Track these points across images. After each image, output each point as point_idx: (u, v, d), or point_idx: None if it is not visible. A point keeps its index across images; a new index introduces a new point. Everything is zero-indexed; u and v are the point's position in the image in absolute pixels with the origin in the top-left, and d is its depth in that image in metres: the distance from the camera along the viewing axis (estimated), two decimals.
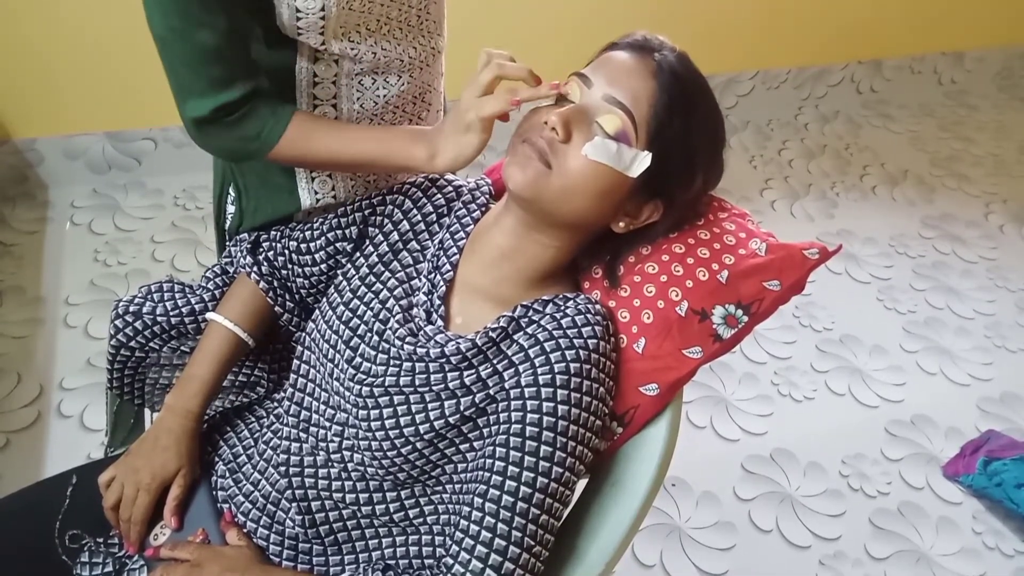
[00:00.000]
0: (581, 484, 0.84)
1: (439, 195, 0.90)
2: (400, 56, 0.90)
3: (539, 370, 0.74)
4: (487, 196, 0.91)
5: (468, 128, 0.76)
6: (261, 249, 0.96)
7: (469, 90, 0.76)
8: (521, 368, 0.75)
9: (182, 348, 0.99)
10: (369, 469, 0.81)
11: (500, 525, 0.72)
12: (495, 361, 0.77)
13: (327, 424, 0.85)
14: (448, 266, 0.84)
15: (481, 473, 0.75)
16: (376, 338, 0.83)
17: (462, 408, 0.77)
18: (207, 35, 0.76)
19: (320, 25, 0.80)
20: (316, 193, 0.97)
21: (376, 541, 0.86)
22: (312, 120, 0.85)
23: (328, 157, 0.85)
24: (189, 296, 0.97)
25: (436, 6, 0.93)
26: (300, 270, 0.94)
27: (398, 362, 0.81)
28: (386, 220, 0.90)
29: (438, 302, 0.83)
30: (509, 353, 0.77)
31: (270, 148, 0.83)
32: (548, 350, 0.75)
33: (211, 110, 0.79)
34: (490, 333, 0.78)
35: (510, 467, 0.72)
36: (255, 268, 0.94)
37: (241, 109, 0.81)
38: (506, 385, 0.76)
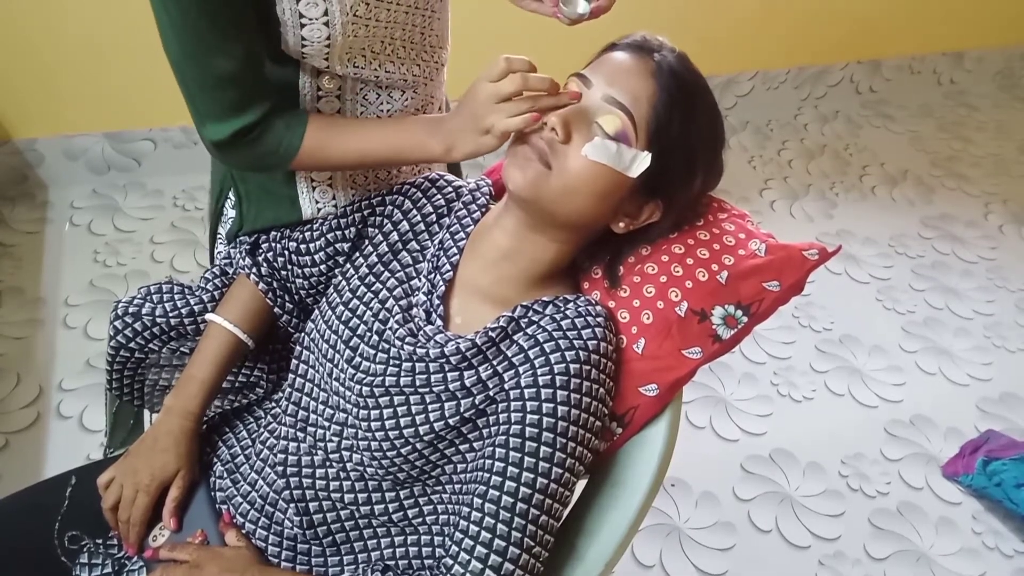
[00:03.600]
0: (581, 484, 0.84)
1: (439, 196, 0.90)
2: (404, 76, 0.90)
3: (539, 371, 0.74)
4: (487, 197, 0.91)
5: (486, 132, 0.75)
6: (260, 250, 0.96)
7: (487, 93, 0.74)
8: (521, 369, 0.75)
9: (181, 349, 0.99)
10: (368, 469, 0.81)
11: (499, 525, 0.72)
12: (495, 362, 0.77)
13: (326, 424, 0.85)
14: (448, 266, 0.84)
15: (480, 474, 0.74)
16: (376, 338, 0.83)
17: (462, 410, 0.77)
18: (223, 61, 0.76)
19: (325, 52, 0.81)
20: (317, 203, 0.97)
21: (375, 541, 0.86)
22: (326, 126, 0.85)
23: (345, 161, 0.86)
24: (188, 297, 0.97)
25: (439, 21, 0.93)
26: (299, 271, 0.94)
27: (398, 362, 0.81)
28: (386, 220, 0.90)
29: (437, 302, 0.83)
30: (509, 354, 0.77)
31: (290, 160, 0.84)
32: (548, 351, 0.75)
33: (230, 134, 0.79)
34: (490, 333, 0.78)
35: (509, 467, 0.72)
36: (254, 269, 0.94)
37: (257, 129, 0.81)
38: (506, 386, 0.76)
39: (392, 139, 0.84)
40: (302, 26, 0.78)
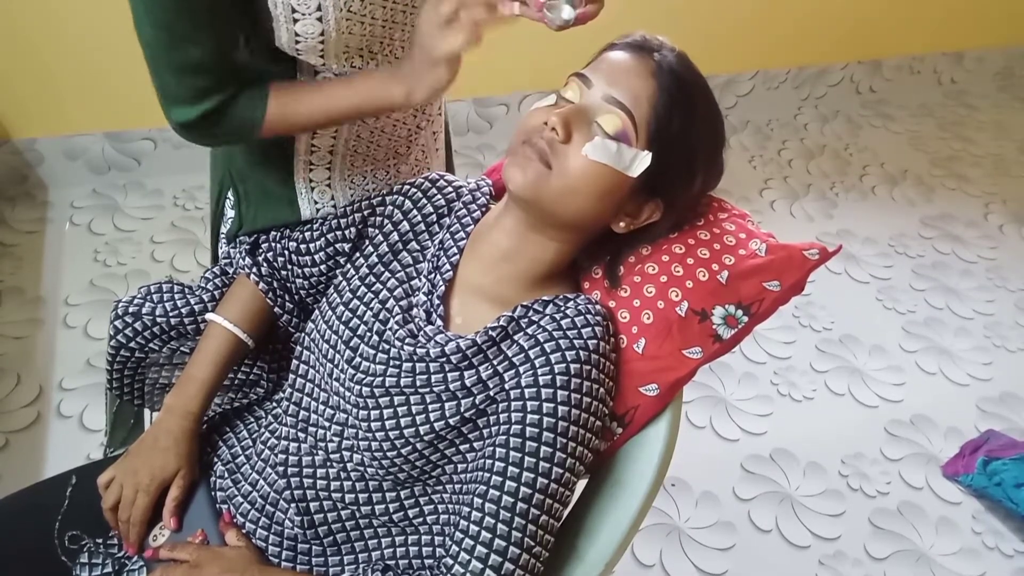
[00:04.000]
0: (581, 484, 0.84)
1: (439, 196, 0.90)
2: None
3: (539, 371, 0.74)
4: (487, 197, 0.90)
5: (435, 63, 0.74)
6: (260, 250, 0.96)
7: (428, 21, 0.73)
8: (521, 369, 0.75)
9: (181, 349, 0.99)
10: (369, 469, 0.81)
11: (500, 525, 0.72)
12: (495, 361, 0.77)
13: (326, 424, 0.85)
14: (448, 266, 0.84)
15: (481, 474, 0.74)
16: (376, 338, 0.83)
17: (462, 409, 0.77)
18: (194, 50, 0.75)
19: (320, 48, 0.80)
20: (316, 203, 0.97)
21: (375, 541, 0.86)
22: (287, 93, 0.83)
23: (312, 121, 0.85)
24: (188, 297, 0.97)
25: None
26: (300, 271, 0.94)
27: (398, 362, 0.81)
28: (386, 221, 0.90)
29: (438, 302, 0.83)
30: (509, 354, 0.77)
31: (257, 131, 0.83)
32: (548, 351, 0.75)
33: (197, 116, 0.79)
34: (490, 333, 0.78)
35: (510, 467, 0.72)
36: (254, 269, 0.94)
37: (224, 110, 0.81)
38: (506, 386, 0.76)
39: (353, 94, 0.83)
40: (295, 21, 0.77)
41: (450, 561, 0.74)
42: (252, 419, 0.97)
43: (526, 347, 0.76)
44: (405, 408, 0.78)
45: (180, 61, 0.76)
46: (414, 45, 0.76)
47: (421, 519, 0.83)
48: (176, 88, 0.78)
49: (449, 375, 0.78)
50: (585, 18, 0.87)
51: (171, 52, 0.76)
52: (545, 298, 0.80)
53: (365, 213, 0.91)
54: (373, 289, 0.86)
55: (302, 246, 0.93)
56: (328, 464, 0.84)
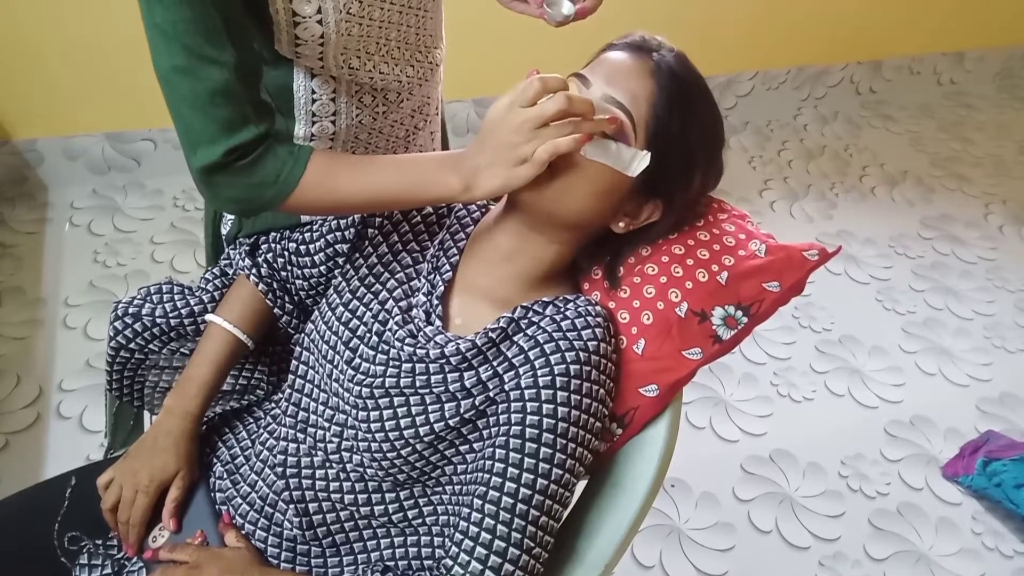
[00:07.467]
0: (580, 485, 0.84)
1: None
2: (398, 77, 0.90)
3: (539, 372, 0.74)
4: None
5: (522, 161, 0.68)
6: (260, 251, 0.96)
7: (523, 118, 0.67)
8: (521, 370, 0.75)
9: (181, 350, 0.99)
10: (368, 470, 0.81)
11: (499, 526, 0.72)
12: (495, 363, 0.77)
13: (326, 424, 0.85)
14: (447, 267, 0.84)
15: (480, 475, 0.74)
16: (375, 339, 0.83)
17: (462, 410, 0.77)
18: (215, 72, 0.71)
19: (319, 51, 0.80)
20: None
21: (375, 542, 0.86)
22: (332, 157, 0.78)
23: (351, 198, 0.78)
24: (188, 298, 0.97)
25: (432, 20, 0.93)
26: (299, 272, 0.94)
27: (397, 363, 0.81)
28: (385, 221, 0.90)
29: (437, 303, 0.83)
30: (509, 355, 0.77)
31: (289, 192, 0.76)
32: (548, 352, 0.75)
33: (223, 152, 0.72)
34: (490, 334, 0.78)
35: (509, 468, 0.72)
36: (254, 270, 0.94)
37: (256, 150, 0.74)
38: (506, 387, 0.76)
39: (404, 174, 0.77)
40: (295, 24, 0.77)
41: (449, 562, 0.73)
42: (251, 420, 0.97)
43: (526, 348, 0.76)
44: (405, 409, 0.78)
45: (201, 91, 0.71)
46: (485, 139, 0.70)
47: (421, 520, 0.83)
48: (201, 125, 0.72)
49: (449, 376, 0.78)
50: (584, 13, 0.87)
51: (190, 81, 0.71)
52: (545, 299, 0.80)
53: (364, 214, 0.91)
54: (372, 290, 0.86)
55: (302, 247, 0.93)
56: (327, 465, 0.84)
